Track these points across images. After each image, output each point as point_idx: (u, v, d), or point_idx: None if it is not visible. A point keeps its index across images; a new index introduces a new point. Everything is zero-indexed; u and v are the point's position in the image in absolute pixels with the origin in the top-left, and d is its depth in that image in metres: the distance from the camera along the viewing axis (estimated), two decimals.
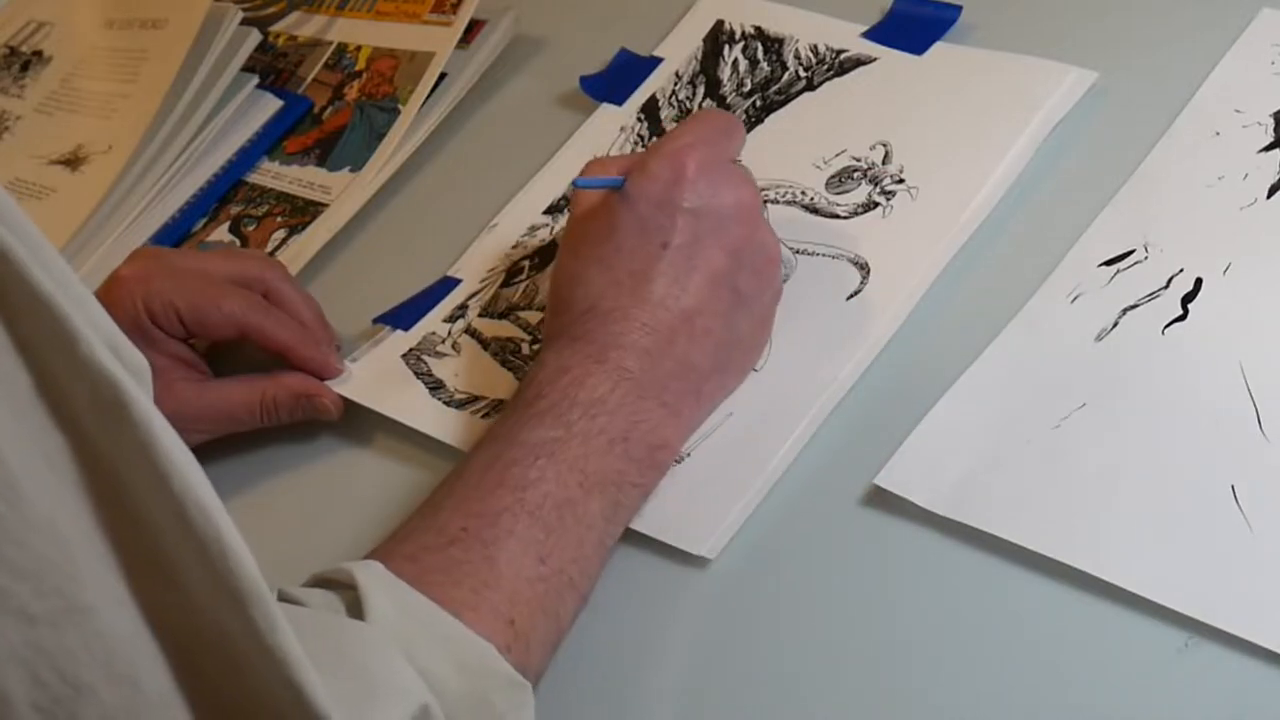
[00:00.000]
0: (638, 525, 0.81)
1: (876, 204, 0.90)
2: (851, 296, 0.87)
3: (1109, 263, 0.83)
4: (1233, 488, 0.73)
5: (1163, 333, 0.80)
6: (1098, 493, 0.75)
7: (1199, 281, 0.81)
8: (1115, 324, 0.81)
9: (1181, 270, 0.82)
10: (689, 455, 0.83)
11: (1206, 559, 0.72)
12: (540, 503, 0.75)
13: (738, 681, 0.76)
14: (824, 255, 0.89)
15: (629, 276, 0.81)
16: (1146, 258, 0.83)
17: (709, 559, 0.80)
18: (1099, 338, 0.81)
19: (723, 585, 0.79)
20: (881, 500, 0.79)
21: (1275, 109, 0.87)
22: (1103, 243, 0.84)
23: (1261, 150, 0.85)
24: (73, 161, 1.10)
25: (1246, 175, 0.85)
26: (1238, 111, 0.87)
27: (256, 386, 0.90)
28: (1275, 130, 0.86)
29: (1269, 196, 0.83)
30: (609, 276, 0.81)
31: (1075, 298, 0.83)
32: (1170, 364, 0.79)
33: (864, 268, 0.88)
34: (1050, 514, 0.75)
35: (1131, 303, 0.81)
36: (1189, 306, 0.80)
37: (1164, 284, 0.82)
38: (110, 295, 0.89)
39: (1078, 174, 0.89)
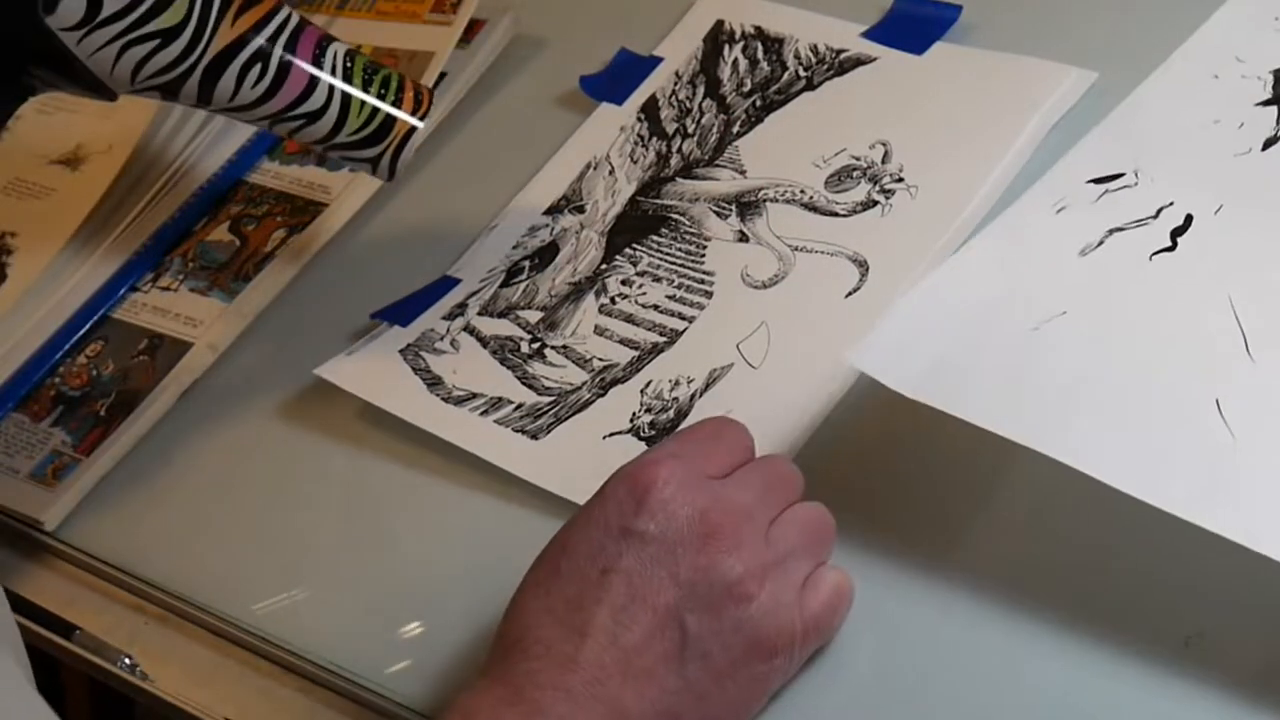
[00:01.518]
0: None
1: (876, 202, 0.90)
2: (850, 294, 0.87)
3: (1097, 181, 0.83)
4: (1217, 401, 0.72)
5: (1150, 259, 0.79)
6: (1077, 392, 0.73)
7: (1189, 217, 0.80)
8: (1101, 242, 0.80)
9: (1172, 203, 0.81)
10: None
11: (1187, 459, 0.70)
12: None
13: None
14: (822, 253, 0.89)
15: (563, 605, 0.70)
16: (1136, 183, 0.82)
17: None
18: (1083, 252, 0.80)
19: None
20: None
21: (1275, 66, 0.86)
22: (1092, 160, 0.83)
23: (1259, 104, 0.85)
24: (72, 161, 1.10)
25: (1242, 124, 0.84)
26: (1238, 60, 0.87)
27: None
28: (1274, 87, 0.85)
29: (1264, 149, 0.83)
30: (543, 604, 0.71)
31: (1060, 209, 0.82)
32: (1156, 289, 0.77)
33: (863, 265, 0.88)
34: (1026, 405, 0.74)
35: (1119, 225, 0.80)
36: (1178, 240, 0.79)
37: (1153, 213, 0.81)
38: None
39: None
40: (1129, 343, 0.75)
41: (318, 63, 0.88)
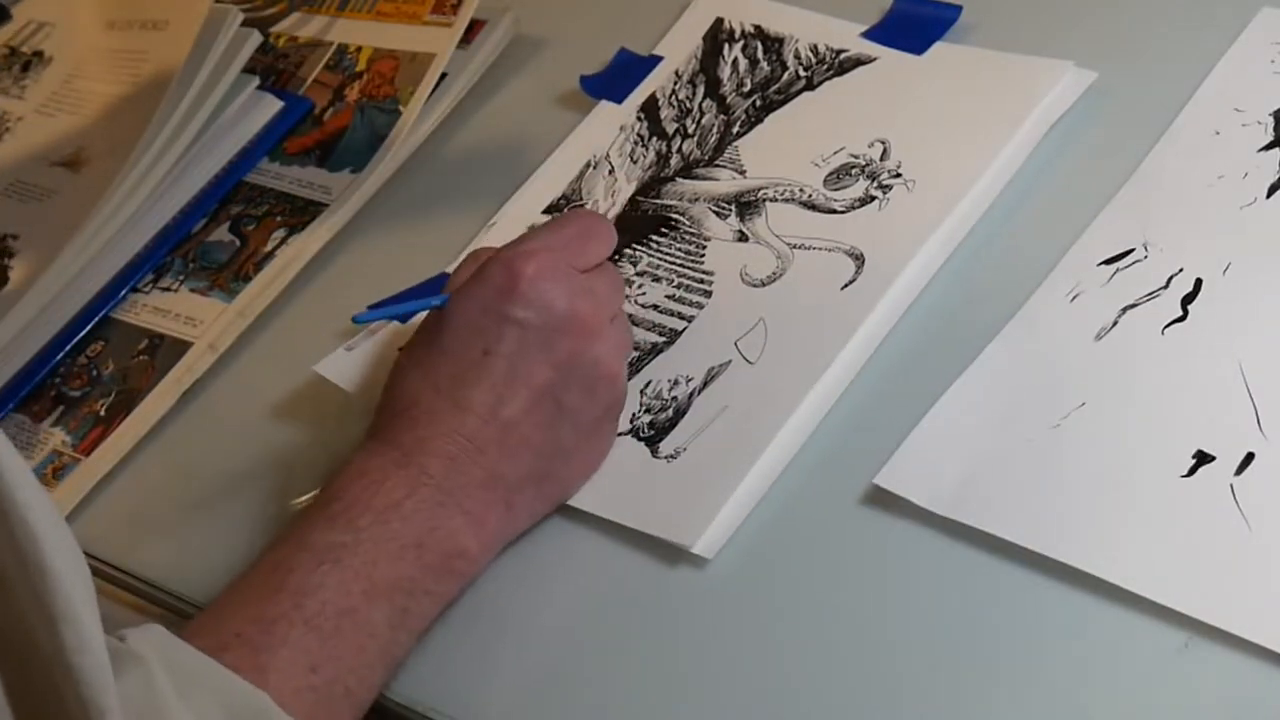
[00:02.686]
0: (629, 521, 0.81)
1: (873, 198, 0.90)
2: (846, 286, 0.87)
3: (1108, 261, 0.83)
4: (1231, 487, 0.73)
5: (1162, 333, 0.80)
6: (1096, 492, 0.75)
7: (1199, 282, 0.81)
8: (1115, 323, 0.81)
9: (1181, 270, 0.82)
10: (684, 451, 0.83)
11: (1206, 558, 0.71)
12: (319, 610, 0.74)
13: (736, 682, 0.76)
14: (819, 249, 0.89)
15: (447, 380, 0.79)
16: (1146, 257, 0.83)
17: (707, 559, 0.79)
18: (1098, 337, 0.80)
19: (721, 586, 0.79)
20: (880, 500, 0.78)
21: (1275, 108, 0.87)
22: (1103, 242, 0.84)
23: (1261, 149, 0.85)
24: (74, 163, 1.10)
25: (1246, 174, 0.84)
26: (1237, 110, 0.87)
27: None
28: (1275, 129, 0.86)
29: (1269, 196, 0.83)
30: (428, 380, 0.80)
31: (1075, 296, 0.82)
32: (1169, 364, 0.78)
33: (858, 258, 0.88)
34: (1049, 514, 0.75)
35: (1131, 302, 0.81)
36: (1189, 307, 0.80)
37: (1164, 284, 0.81)
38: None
39: (1077, 173, 0.89)
40: (1145, 431, 0.76)
41: None
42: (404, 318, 0.93)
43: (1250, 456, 0.74)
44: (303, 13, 1.15)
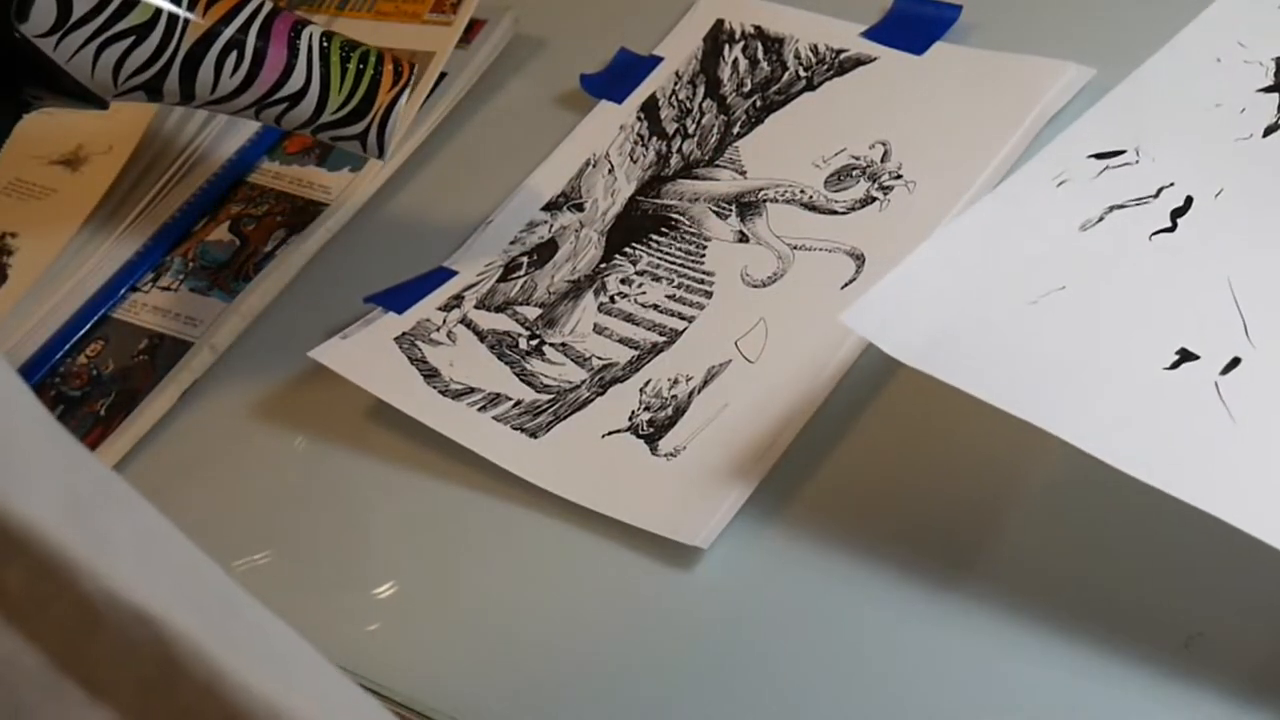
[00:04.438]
0: (627, 518, 0.81)
1: (874, 199, 0.90)
2: (846, 285, 0.87)
3: (1099, 156, 0.82)
4: (1216, 385, 0.71)
5: (1149, 239, 0.79)
6: (1075, 367, 0.73)
7: (1189, 199, 0.80)
8: (1100, 219, 0.80)
9: (1173, 184, 0.81)
10: (684, 449, 0.83)
11: (1187, 440, 0.70)
12: None
13: (736, 681, 0.76)
14: (820, 250, 0.89)
15: None
16: (1138, 161, 0.82)
17: (707, 556, 0.79)
18: (1083, 228, 0.79)
19: (721, 584, 0.79)
20: None
21: (1277, 53, 0.86)
22: (1093, 136, 0.83)
23: (1260, 90, 0.84)
24: (73, 161, 1.10)
25: (1244, 110, 0.84)
26: (1241, 45, 0.86)
27: None
28: (1276, 75, 0.85)
29: (1265, 136, 0.82)
30: None
31: (1061, 183, 0.81)
32: (1155, 268, 0.77)
33: (859, 258, 0.88)
34: (1024, 379, 0.73)
35: (1119, 202, 0.80)
36: (1178, 220, 0.79)
37: (1154, 193, 0.80)
38: None
39: None
40: (1128, 323, 0.75)
41: (293, 45, 0.89)
42: (401, 307, 0.93)
43: (1237, 360, 0.72)
44: (302, 11, 1.15)
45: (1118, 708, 0.70)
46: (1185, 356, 0.73)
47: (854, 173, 0.92)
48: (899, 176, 0.91)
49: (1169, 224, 0.79)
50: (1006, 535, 0.77)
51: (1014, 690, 0.72)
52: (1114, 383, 0.73)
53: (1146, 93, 0.85)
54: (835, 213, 0.91)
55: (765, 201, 0.93)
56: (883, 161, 0.92)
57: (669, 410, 0.85)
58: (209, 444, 0.96)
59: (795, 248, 0.90)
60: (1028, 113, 0.90)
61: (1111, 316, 0.76)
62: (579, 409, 0.87)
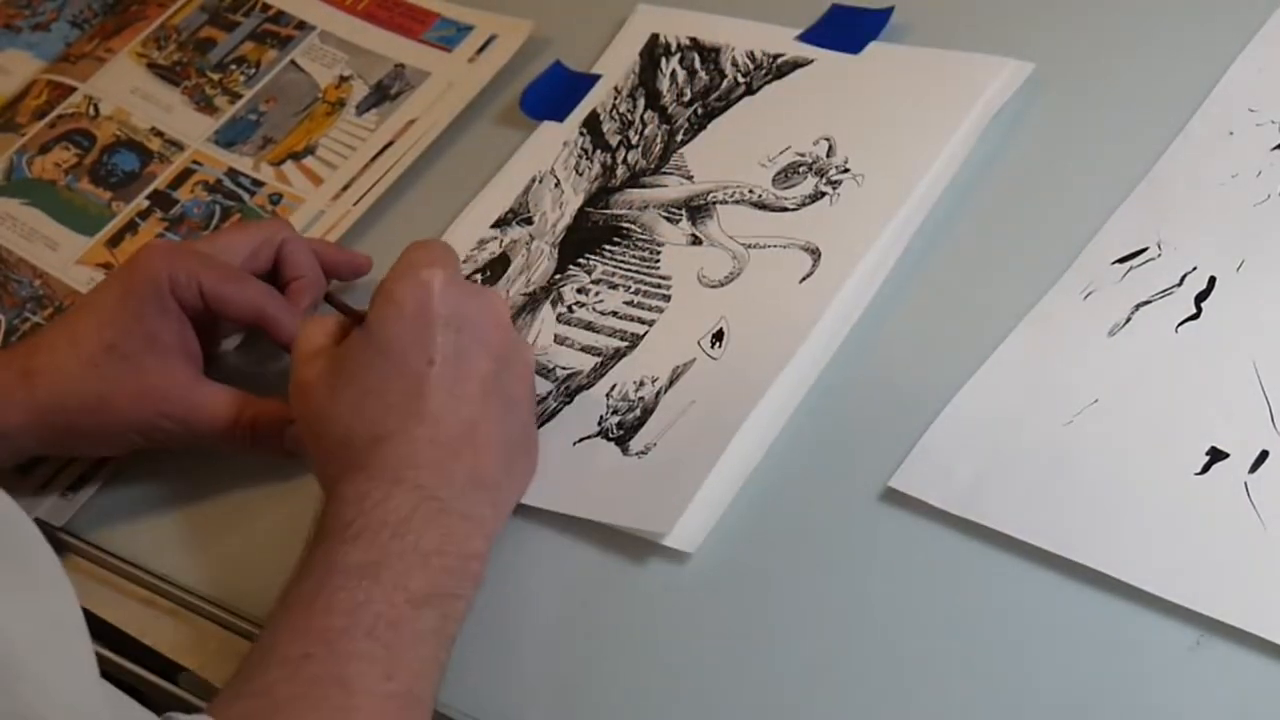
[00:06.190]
0: (602, 517, 0.82)
1: (823, 194, 0.91)
2: (804, 279, 0.87)
3: (1122, 260, 0.83)
4: (1245, 485, 0.73)
5: (1176, 330, 0.79)
6: (1109, 490, 0.75)
7: (1212, 280, 0.81)
8: (1128, 320, 0.81)
9: (1195, 268, 0.81)
10: (654, 446, 0.83)
11: (1219, 556, 0.71)
12: (373, 624, 0.74)
13: (722, 677, 0.76)
14: (775, 247, 0.90)
15: (402, 398, 0.80)
16: (1160, 255, 0.83)
17: (689, 554, 0.80)
18: (1111, 333, 0.80)
19: (705, 582, 0.79)
20: (883, 496, 0.79)
21: None
22: (1117, 241, 0.84)
23: (1275, 148, 0.85)
24: None
25: (1260, 173, 0.84)
26: (1251, 111, 0.87)
27: (241, 401, 0.89)
28: None
29: None
30: (382, 403, 0.80)
31: (1088, 294, 0.82)
32: (1183, 361, 0.78)
33: (814, 252, 0.88)
34: (1063, 512, 0.75)
35: (1145, 299, 0.81)
36: (1202, 305, 0.80)
37: (1177, 281, 0.81)
38: (136, 261, 0.90)
39: (1023, 158, 0.90)
40: (1158, 430, 0.76)
41: None
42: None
43: (1265, 454, 0.73)
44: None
45: (1128, 705, 0.70)
46: (1215, 456, 0.74)
47: (801, 169, 0.93)
48: (846, 170, 0.92)
49: (1194, 310, 0.80)
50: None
51: (1025, 687, 0.72)
52: (1147, 503, 0.74)
53: (1163, 185, 0.86)
54: (786, 209, 0.91)
55: (715, 204, 0.93)
56: (828, 157, 0.93)
57: (637, 412, 0.85)
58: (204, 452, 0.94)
59: (750, 246, 0.90)
60: (972, 104, 0.91)
61: (1141, 426, 0.76)
62: (548, 420, 0.87)
